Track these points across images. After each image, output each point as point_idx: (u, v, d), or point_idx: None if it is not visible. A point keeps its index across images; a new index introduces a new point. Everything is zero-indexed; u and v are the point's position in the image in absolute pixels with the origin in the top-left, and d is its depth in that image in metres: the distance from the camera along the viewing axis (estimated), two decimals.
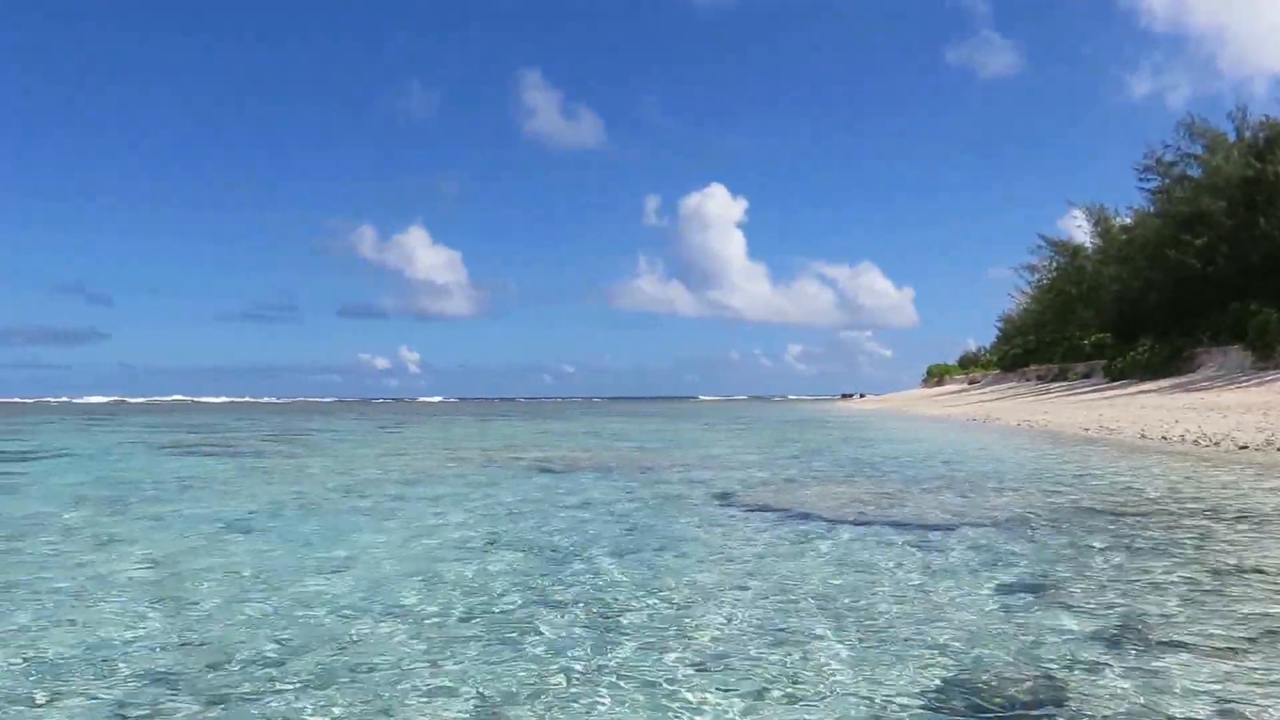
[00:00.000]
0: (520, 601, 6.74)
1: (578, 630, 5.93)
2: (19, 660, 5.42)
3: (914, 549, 8.68)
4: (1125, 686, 4.70)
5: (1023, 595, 6.70)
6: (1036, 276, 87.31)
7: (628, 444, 27.82)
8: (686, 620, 6.15)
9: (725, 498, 13.08)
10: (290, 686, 4.90)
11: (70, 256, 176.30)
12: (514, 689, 4.83)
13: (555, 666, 5.18)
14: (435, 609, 6.55)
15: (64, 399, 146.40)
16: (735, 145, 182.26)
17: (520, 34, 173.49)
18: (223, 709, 4.59)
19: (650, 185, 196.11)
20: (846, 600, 6.65)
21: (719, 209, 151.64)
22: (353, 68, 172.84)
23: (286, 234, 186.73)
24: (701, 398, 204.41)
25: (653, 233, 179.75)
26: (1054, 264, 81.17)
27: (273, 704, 4.64)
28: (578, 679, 4.97)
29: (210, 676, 5.10)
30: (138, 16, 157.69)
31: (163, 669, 5.24)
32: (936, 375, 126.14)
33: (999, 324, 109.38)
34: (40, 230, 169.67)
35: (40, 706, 4.66)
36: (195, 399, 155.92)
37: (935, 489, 13.89)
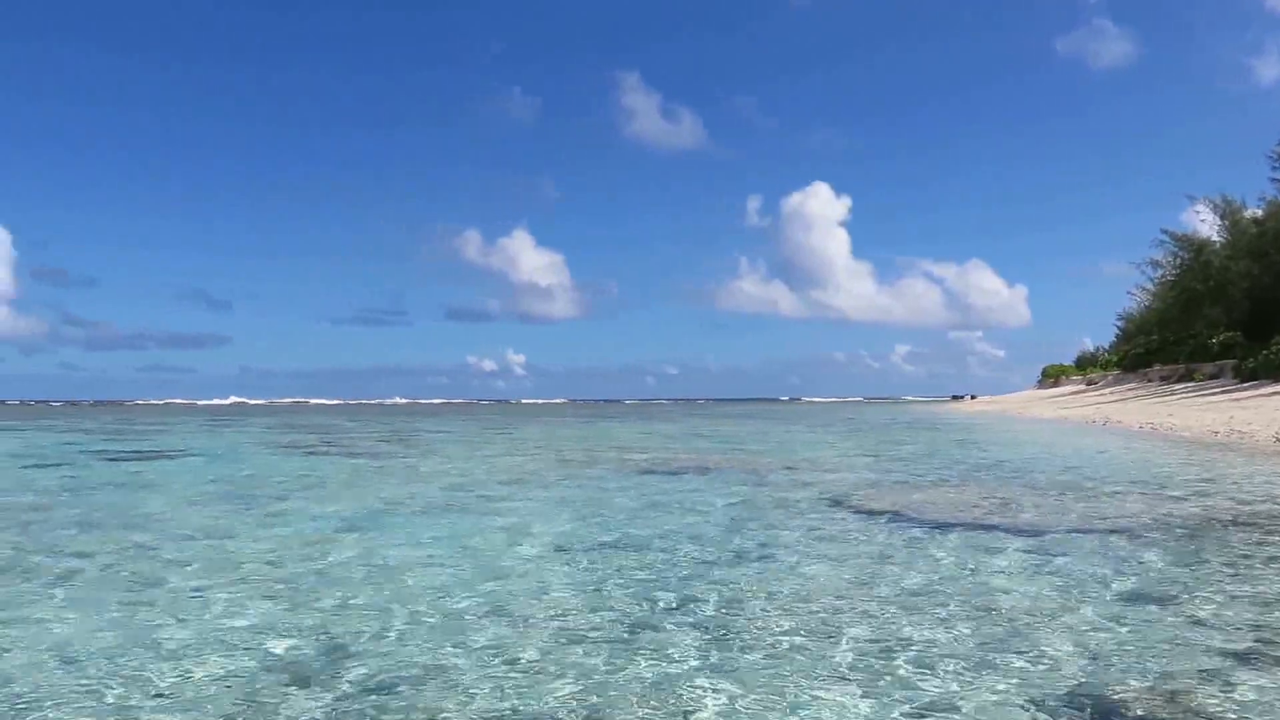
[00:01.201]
0: (628, 604, 6.78)
1: (687, 635, 5.94)
2: (150, 647, 5.68)
3: (1031, 555, 8.44)
4: (1258, 702, 4.50)
5: (1147, 606, 6.46)
6: (1160, 272, 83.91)
7: (732, 446, 27.73)
8: (797, 625, 6.10)
9: (834, 501, 12.93)
10: (402, 680, 5.03)
11: (194, 266, 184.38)
12: (623, 694, 4.86)
13: (664, 672, 5.20)
14: (545, 610, 6.64)
15: (189, 400, 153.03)
16: (838, 143, 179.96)
17: (618, 38, 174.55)
18: (338, 699, 4.74)
19: (751, 185, 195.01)
20: (961, 607, 6.51)
21: (822, 208, 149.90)
22: (456, 77, 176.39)
23: (396, 240, 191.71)
24: (805, 399, 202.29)
25: (754, 233, 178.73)
26: (1177, 260, 77.90)
27: (384, 697, 4.77)
28: (686, 685, 4.97)
29: (327, 668, 5.27)
30: (252, 39, 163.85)
31: (283, 660, 5.44)
32: (1052, 376, 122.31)
33: (1118, 322, 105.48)
34: (168, 242, 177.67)
35: (165, 691, 4.88)
36: (310, 400, 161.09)
37: (1053, 494, 13.49)
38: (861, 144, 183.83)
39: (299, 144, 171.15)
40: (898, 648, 5.54)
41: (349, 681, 5.05)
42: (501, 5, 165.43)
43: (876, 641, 5.68)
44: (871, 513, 11.66)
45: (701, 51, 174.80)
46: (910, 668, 5.16)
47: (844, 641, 5.71)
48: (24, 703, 4.75)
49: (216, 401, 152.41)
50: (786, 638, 5.80)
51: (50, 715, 4.59)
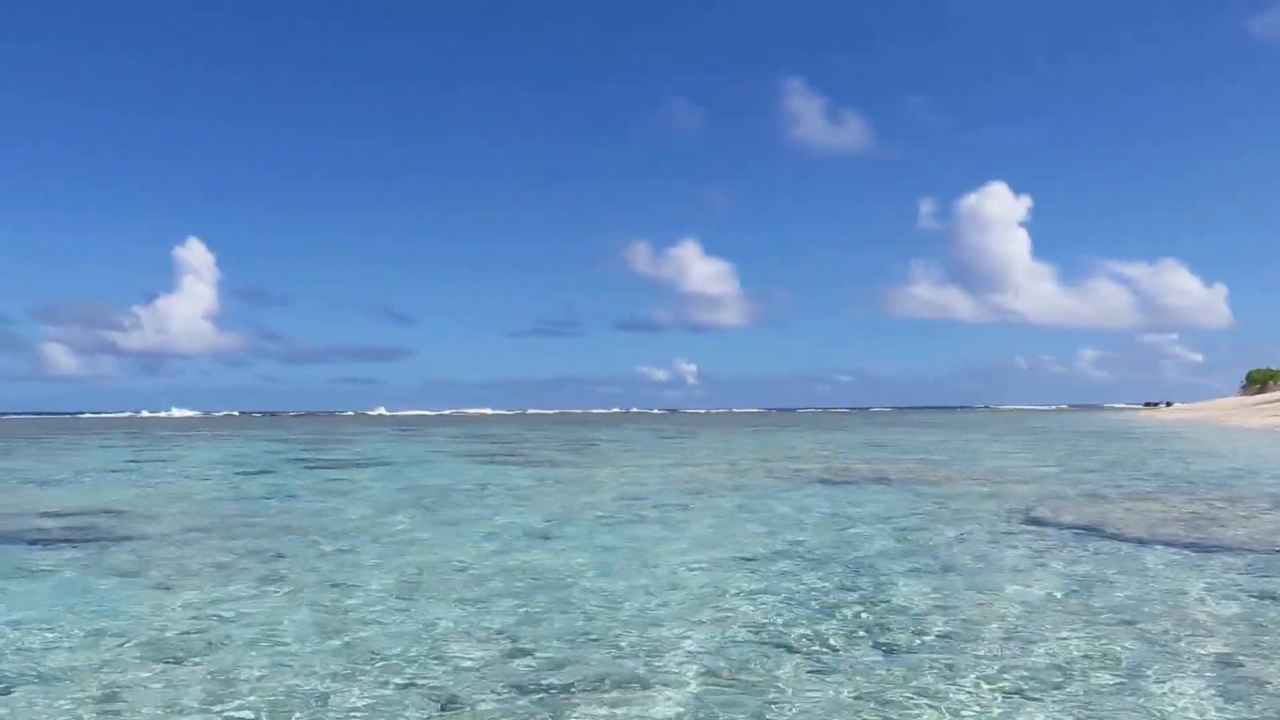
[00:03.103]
0: (809, 617, 6.75)
1: (869, 649, 5.87)
2: (348, 646, 6.02)
3: (1235, 574, 7.94)
4: None
5: None
6: None
7: (910, 455, 27.08)
8: (984, 642, 5.94)
9: (1020, 513, 12.47)
10: (588, 687, 5.16)
11: (380, 281, 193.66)
12: (803, 705, 4.85)
13: (847, 686, 5.16)
14: (725, 620, 6.68)
15: (378, 411, 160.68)
16: (1015, 141, 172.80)
17: (780, 44, 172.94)
18: (519, 699, 4.91)
19: (923, 187, 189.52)
20: (1159, 627, 6.19)
21: (999, 208, 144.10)
22: (623, 90, 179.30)
23: (569, 252, 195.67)
24: (986, 407, 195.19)
25: (928, 236, 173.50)
26: None
27: (568, 703, 4.90)
28: (869, 699, 4.92)
29: (511, 669, 5.46)
30: (428, 62, 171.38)
31: (471, 661, 5.67)
32: (1259, 381, 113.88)
33: None
34: (355, 259, 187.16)
35: (364, 691, 5.17)
36: (490, 411, 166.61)
37: (1260, 510, 12.61)
38: (1042, 141, 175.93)
39: (476, 159, 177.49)
40: (1093, 671, 5.32)
41: (534, 685, 5.22)
42: (664, 18, 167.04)
43: (1067, 664, 5.47)
44: (1061, 526, 11.20)
45: (868, 54, 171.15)
46: (1102, 690, 4.95)
47: (1025, 660, 5.52)
48: (238, 696, 5.13)
49: (402, 412, 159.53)
50: (973, 656, 5.66)
51: (258, 711, 4.94)
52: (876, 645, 5.94)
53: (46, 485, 19.46)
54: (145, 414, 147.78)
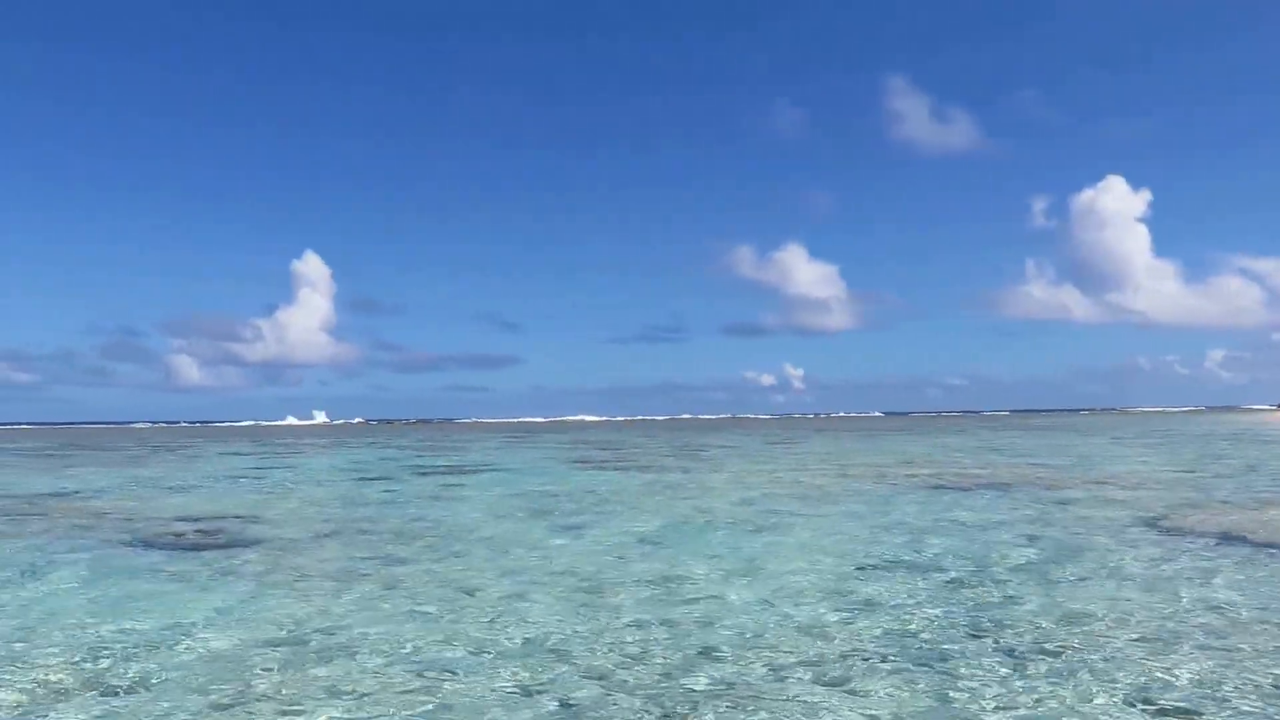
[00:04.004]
0: (928, 624, 6.62)
1: (992, 660, 5.72)
2: (471, 649, 6.13)
3: None
4: None
5: None
6: None
7: (1027, 460, 26.31)
8: (1113, 655, 5.73)
9: (1148, 522, 12.00)
10: (702, 693, 5.15)
11: (488, 290, 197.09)
12: (926, 717, 4.75)
13: (967, 697, 5.04)
14: (842, 629, 6.60)
15: (488, 419, 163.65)
16: (1132, 134, 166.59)
17: (881, 42, 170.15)
18: (640, 704, 4.92)
19: (1035, 184, 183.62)
20: None
21: (1117, 204, 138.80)
22: (724, 93, 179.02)
23: (673, 258, 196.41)
24: (1106, 409, 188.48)
25: (1040, 234, 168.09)
26: None
27: (688, 707, 4.90)
28: (991, 713, 4.79)
29: (630, 675, 5.48)
30: (536, 70, 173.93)
31: (592, 666, 5.71)
32: None
33: None
34: (463, 269, 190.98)
35: (488, 691, 5.25)
36: (598, 417, 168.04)
37: None
38: (1161, 134, 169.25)
39: (580, 167, 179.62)
40: (1236, 695, 5.08)
41: (655, 691, 5.24)
42: (762, 20, 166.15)
43: (1209, 683, 5.24)
44: (1193, 534, 10.74)
45: (973, 49, 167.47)
46: (1261, 716, 4.72)
47: (1159, 676, 5.30)
48: (365, 696, 5.27)
49: (510, 420, 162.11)
50: (1106, 670, 5.46)
51: (385, 711, 5.06)
52: (1002, 655, 5.79)
53: (179, 491, 20.34)
54: (266, 423, 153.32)
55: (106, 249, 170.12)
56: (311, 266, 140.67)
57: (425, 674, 5.69)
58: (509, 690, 5.36)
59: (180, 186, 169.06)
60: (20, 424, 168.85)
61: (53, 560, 10.35)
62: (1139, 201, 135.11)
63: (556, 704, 5.10)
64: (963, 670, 5.51)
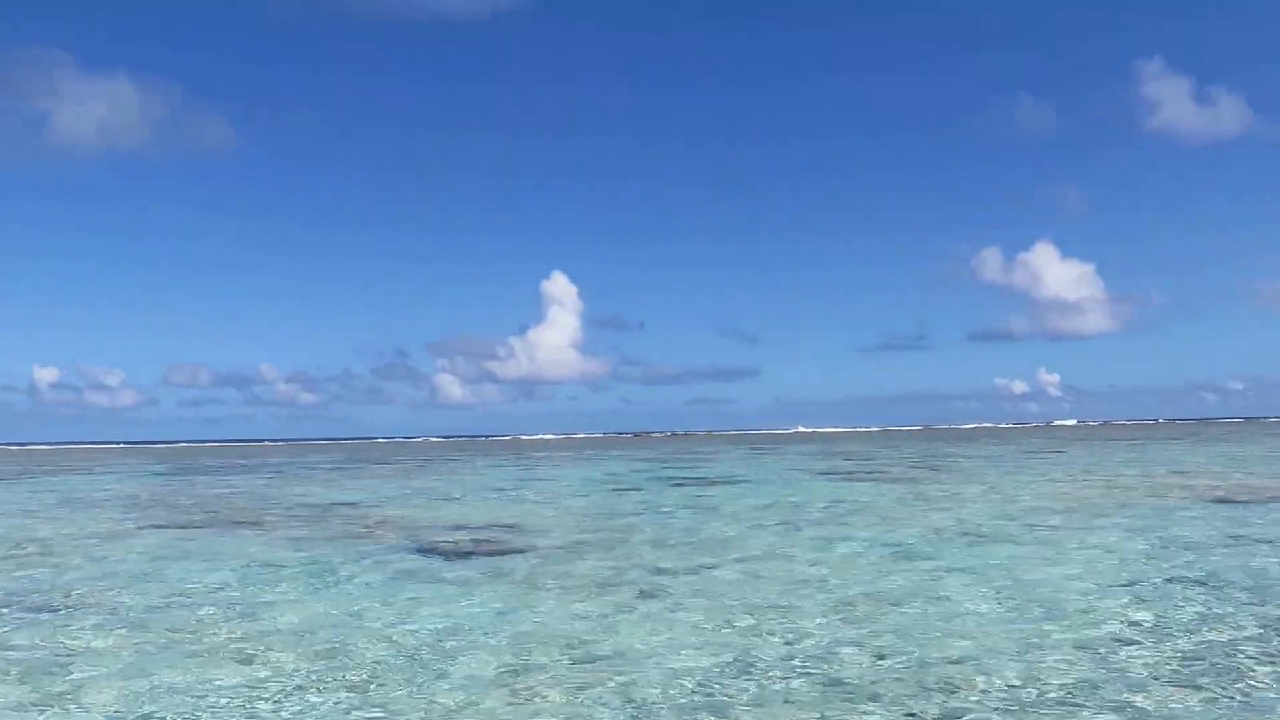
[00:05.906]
0: (1209, 648, 6.27)
1: None
2: (735, 655, 6.34)
3: None
4: None
5: None
6: None
7: None
8: None
9: None
10: (962, 711, 5.11)
11: (726, 304, 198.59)
12: None
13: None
14: (1112, 651, 6.35)
15: (731, 430, 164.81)
16: None
17: (1129, 23, 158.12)
18: (897, 714, 4.96)
19: None
20: None
21: None
22: (960, 91, 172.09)
23: (911, 263, 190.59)
24: None
25: None
26: None
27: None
28: None
29: (888, 687, 5.52)
30: (765, 70, 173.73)
31: (850, 676, 5.79)
32: None
33: None
34: (704, 283, 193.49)
35: (754, 695, 5.43)
36: (842, 428, 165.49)
37: None
38: None
39: (815, 172, 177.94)
40: None
41: (913, 705, 5.25)
42: (999, 11, 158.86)
43: None
44: None
45: (1234, 21, 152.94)
46: None
47: None
48: (636, 699, 5.58)
49: (753, 431, 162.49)
50: None
51: (656, 714, 5.35)
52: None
53: (450, 502, 21.82)
54: (523, 437, 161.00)
55: (378, 276, 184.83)
56: (559, 285, 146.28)
57: (690, 678, 5.95)
58: (773, 688, 5.52)
59: (438, 218, 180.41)
60: (309, 439, 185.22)
61: (350, 564, 11.42)
62: None
63: (807, 711, 5.22)
64: (1254, 700, 5.19)
